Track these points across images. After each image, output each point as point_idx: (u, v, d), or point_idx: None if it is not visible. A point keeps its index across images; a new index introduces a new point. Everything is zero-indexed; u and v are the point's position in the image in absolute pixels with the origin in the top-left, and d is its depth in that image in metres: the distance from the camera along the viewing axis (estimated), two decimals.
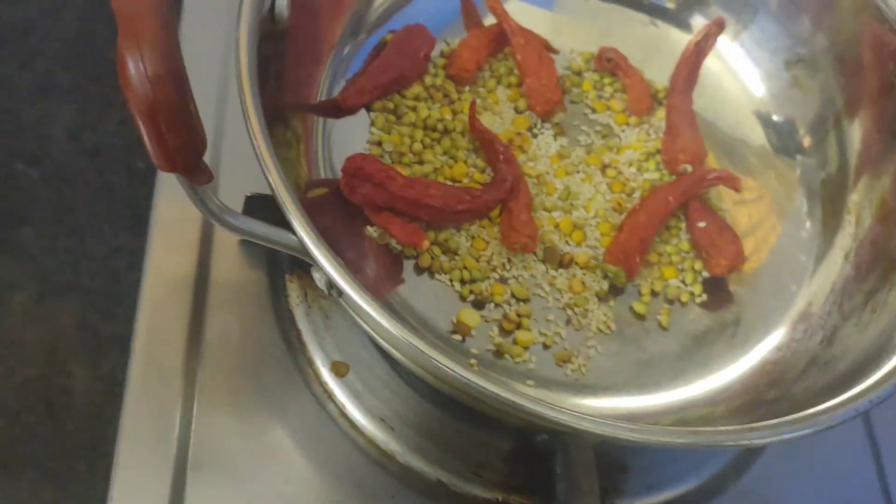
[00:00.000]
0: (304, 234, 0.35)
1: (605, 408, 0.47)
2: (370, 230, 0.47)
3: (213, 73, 0.54)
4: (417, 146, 0.51)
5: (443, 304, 0.47)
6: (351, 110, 0.51)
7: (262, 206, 0.42)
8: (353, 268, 0.45)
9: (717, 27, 0.57)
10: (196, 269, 0.48)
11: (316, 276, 0.38)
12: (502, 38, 0.55)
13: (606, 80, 0.57)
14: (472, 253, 0.49)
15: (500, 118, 0.54)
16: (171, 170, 0.32)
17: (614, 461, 0.47)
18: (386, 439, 0.45)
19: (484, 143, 0.51)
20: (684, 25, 0.60)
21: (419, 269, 0.48)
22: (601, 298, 0.49)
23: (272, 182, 0.35)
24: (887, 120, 0.50)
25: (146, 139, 0.31)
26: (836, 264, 0.51)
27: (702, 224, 0.51)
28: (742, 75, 0.58)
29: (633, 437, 0.34)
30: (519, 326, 0.47)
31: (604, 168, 0.54)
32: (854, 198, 0.52)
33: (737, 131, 0.57)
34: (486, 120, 0.53)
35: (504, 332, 0.47)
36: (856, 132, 0.53)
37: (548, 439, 0.42)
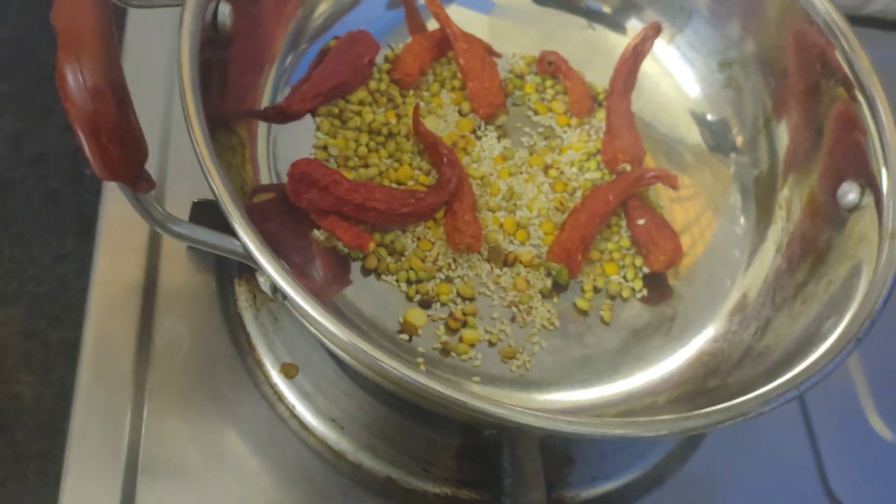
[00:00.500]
0: (247, 238, 0.35)
1: (550, 402, 0.47)
2: (317, 234, 0.47)
3: (160, 82, 0.54)
4: (363, 150, 0.51)
5: (390, 305, 0.48)
6: (296, 115, 0.51)
7: (209, 212, 0.42)
8: (299, 271, 0.45)
9: (654, 31, 0.58)
10: (144, 275, 0.48)
11: (261, 280, 0.38)
12: (445, 43, 0.56)
13: (548, 83, 0.58)
14: (417, 254, 0.49)
15: (445, 121, 0.55)
16: (113, 179, 0.33)
17: (560, 454, 0.48)
18: (336, 439, 0.45)
19: (428, 146, 0.52)
20: (621, 29, 0.61)
21: (366, 271, 0.48)
22: (545, 296, 0.50)
23: (214, 187, 0.35)
24: (813, 118, 0.51)
25: (87, 150, 0.31)
26: (768, 257, 0.52)
27: (641, 221, 0.52)
28: (678, 77, 0.60)
29: (571, 430, 0.35)
30: (465, 325, 0.48)
31: (546, 168, 0.55)
32: (784, 193, 0.53)
33: (673, 131, 0.58)
34: (430, 123, 0.54)
35: (450, 330, 0.48)
36: (784, 131, 0.54)
37: (494, 435, 0.43)
